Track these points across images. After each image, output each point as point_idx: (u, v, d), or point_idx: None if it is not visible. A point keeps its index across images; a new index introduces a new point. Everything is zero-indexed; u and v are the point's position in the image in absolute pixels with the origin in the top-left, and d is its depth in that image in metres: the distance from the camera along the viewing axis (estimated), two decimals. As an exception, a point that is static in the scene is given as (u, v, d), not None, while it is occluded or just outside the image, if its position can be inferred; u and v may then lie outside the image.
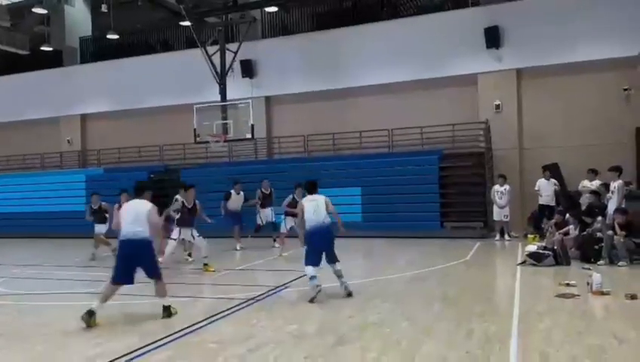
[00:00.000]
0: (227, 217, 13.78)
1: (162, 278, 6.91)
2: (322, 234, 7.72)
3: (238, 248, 13.52)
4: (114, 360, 5.04)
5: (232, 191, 13.92)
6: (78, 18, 23.65)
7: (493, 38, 16.21)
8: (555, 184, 14.09)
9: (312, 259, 7.62)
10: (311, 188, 8.08)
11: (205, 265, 10.32)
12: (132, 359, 5.09)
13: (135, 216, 6.73)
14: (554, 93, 16.07)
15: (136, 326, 6.38)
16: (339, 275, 7.71)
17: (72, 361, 5.09)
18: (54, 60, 22.91)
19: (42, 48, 22.02)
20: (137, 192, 7.22)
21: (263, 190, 14.11)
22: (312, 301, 7.31)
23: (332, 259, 7.72)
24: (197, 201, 10.93)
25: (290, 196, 12.60)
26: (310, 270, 7.54)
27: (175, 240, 10.45)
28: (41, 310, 7.57)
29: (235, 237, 13.69)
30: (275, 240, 13.76)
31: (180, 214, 10.63)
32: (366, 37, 18.04)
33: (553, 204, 13.75)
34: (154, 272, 6.83)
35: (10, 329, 6.58)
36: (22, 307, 7.80)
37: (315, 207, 7.75)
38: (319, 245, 7.70)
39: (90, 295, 8.69)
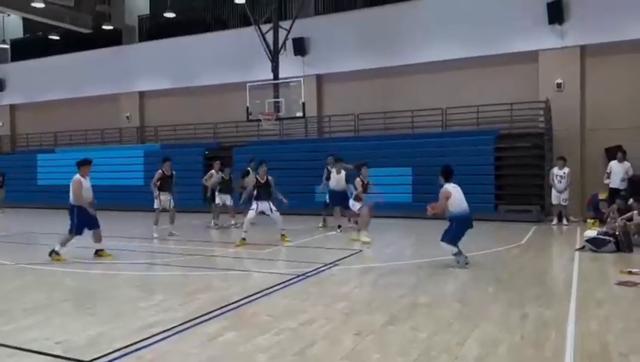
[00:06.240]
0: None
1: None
2: (469, 221, 8.37)
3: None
4: (171, 328, 5.24)
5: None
6: (137, -3, 24.22)
7: (556, 12, 15.46)
8: (628, 168, 13.43)
9: (455, 241, 8.27)
10: (450, 175, 8.46)
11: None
12: (188, 328, 5.28)
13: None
14: (620, 71, 15.22)
15: (194, 296, 6.60)
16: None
17: (133, 327, 5.32)
18: (114, 39, 23.67)
19: (103, 27, 22.73)
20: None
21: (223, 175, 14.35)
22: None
23: None
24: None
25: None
26: (449, 248, 8.27)
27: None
28: (104, 278, 7.95)
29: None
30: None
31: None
32: (421, 12, 17.60)
33: (624, 187, 13.10)
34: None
35: (76, 295, 6.96)
36: (87, 275, 8.21)
37: (462, 196, 8.34)
38: (465, 231, 8.35)
39: (149, 265, 9.09)
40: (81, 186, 9.29)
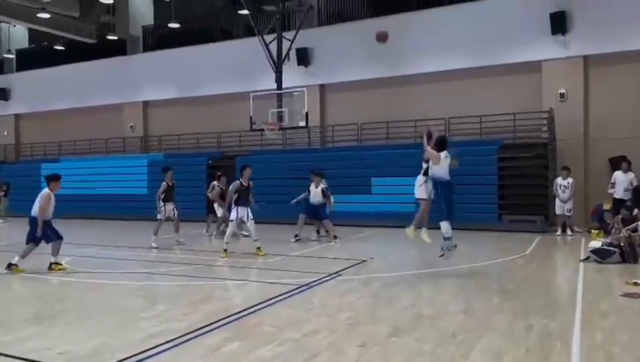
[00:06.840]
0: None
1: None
2: (452, 185, 8.43)
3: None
4: (174, 339, 5.21)
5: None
6: (141, 8, 24.40)
7: (559, 23, 15.51)
8: (633, 178, 13.39)
9: (452, 213, 8.37)
10: (442, 145, 8.54)
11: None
12: (190, 339, 5.24)
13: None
14: (623, 81, 15.24)
15: (196, 307, 6.57)
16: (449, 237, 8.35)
17: (135, 338, 5.29)
18: (119, 49, 23.82)
19: (108, 37, 22.88)
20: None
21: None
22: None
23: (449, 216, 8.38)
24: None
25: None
26: (448, 228, 8.31)
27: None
28: (105, 288, 7.93)
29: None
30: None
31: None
32: (424, 23, 17.67)
33: (628, 198, 13.05)
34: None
35: (77, 305, 6.94)
36: (88, 284, 8.19)
37: (446, 167, 8.42)
38: (452, 196, 8.42)
39: (151, 275, 9.07)
40: (49, 202, 9.06)
